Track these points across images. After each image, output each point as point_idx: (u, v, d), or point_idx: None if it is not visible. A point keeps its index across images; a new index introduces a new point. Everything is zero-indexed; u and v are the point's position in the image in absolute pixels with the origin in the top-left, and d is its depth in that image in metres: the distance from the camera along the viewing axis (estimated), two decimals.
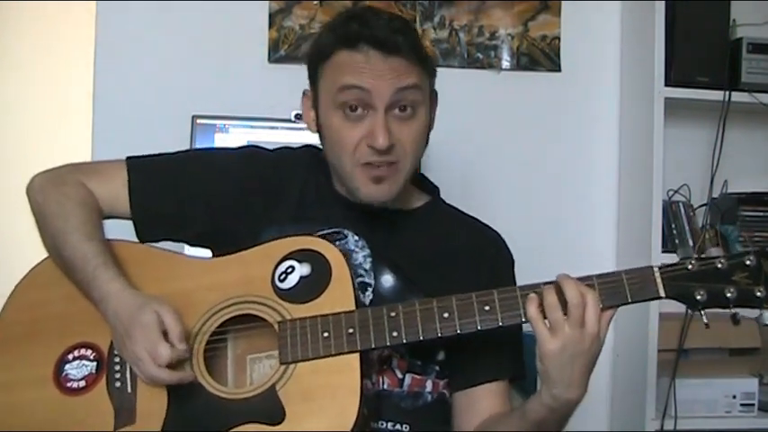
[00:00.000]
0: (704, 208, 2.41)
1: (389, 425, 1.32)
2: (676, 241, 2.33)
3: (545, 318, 1.17)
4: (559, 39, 2.51)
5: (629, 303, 1.19)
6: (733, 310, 1.17)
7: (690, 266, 1.17)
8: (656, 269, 1.18)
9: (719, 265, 1.16)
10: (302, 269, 1.26)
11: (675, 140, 2.40)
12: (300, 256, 1.27)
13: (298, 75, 2.36)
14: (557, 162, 2.53)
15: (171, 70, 2.38)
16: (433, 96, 1.40)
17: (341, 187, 1.40)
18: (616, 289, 1.18)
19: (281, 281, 1.26)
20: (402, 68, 1.29)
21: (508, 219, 2.41)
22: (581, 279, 1.18)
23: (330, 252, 1.26)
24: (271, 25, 2.40)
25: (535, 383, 1.53)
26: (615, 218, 2.53)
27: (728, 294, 1.15)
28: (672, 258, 2.26)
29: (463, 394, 1.38)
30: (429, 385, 1.36)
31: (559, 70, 2.52)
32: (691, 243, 2.33)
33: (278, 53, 2.41)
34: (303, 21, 2.41)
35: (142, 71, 2.36)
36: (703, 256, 1.19)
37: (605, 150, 2.54)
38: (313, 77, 1.37)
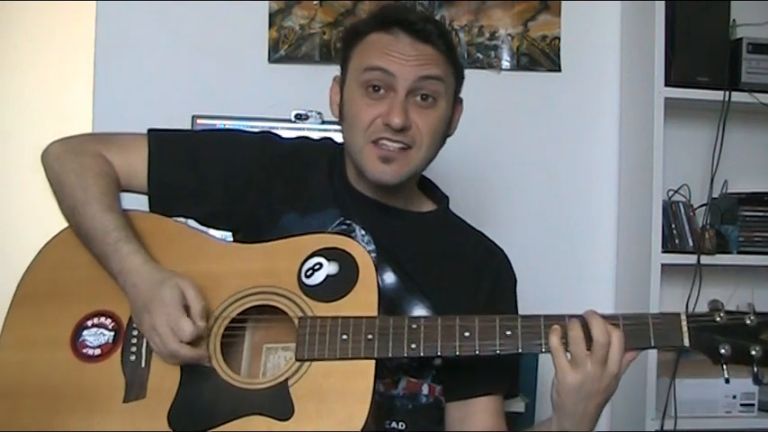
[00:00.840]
0: (704, 208, 2.41)
1: (386, 423, 1.32)
2: (676, 241, 2.33)
3: (566, 350, 1.16)
4: (559, 39, 2.51)
5: (650, 348, 1.18)
6: (755, 370, 1.16)
7: (718, 319, 1.15)
8: (683, 316, 1.17)
9: (748, 322, 1.15)
10: (330, 268, 1.26)
11: (675, 140, 2.40)
12: (330, 254, 1.26)
13: (298, 75, 2.40)
14: (557, 162, 2.53)
15: (171, 70, 2.38)
16: (458, 101, 1.42)
17: (354, 178, 1.41)
18: (640, 332, 1.17)
19: (308, 277, 1.26)
20: (429, 57, 1.32)
21: (508, 219, 2.43)
22: (606, 317, 1.17)
23: (360, 255, 1.25)
24: (271, 25, 2.40)
25: (534, 389, 1.53)
26: (615, 218, 2.52)
27: (753, 352, 1.14)
28: (671, 258, 2.27)
29: (458, 406, 1.37)
30: (425, 389, 1.36)
31: (559, 70, 2.52)
32: (691, 243, 2.33)
33: (278, 53, 2.41)
34: (303, 21, 2.41)
35: (142, 71, 2.36)
36: (734, 309, 1.17)
37: (605, 150, 2.54)
38: (344, 60, 1.39)
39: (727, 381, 1.16)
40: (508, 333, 1.18)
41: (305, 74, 2.39)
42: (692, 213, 2.38)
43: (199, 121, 2.14)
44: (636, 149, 2.43)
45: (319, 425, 1.16)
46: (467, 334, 1.19)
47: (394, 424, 1.32)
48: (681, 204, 2.38)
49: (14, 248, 1.45)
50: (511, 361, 1.39)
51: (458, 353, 1.19)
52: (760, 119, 2.48)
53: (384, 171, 1.33)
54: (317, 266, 1.26)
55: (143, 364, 1.25)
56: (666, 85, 2.29)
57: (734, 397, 2.26)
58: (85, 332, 1.27)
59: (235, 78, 2.39)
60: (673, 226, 2.34)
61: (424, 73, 1.31)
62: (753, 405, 2.26)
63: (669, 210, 2.35)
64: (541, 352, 1.19)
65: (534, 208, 2.51)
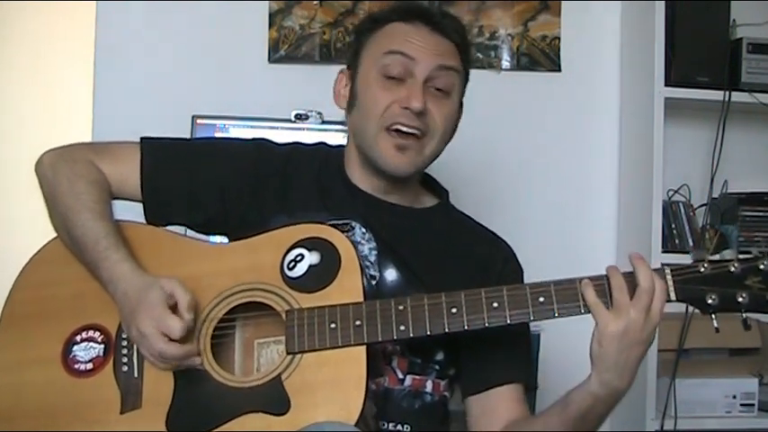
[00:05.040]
0: (704, 208, 2.41)
1: (390, 425, 1.32)
2: (676, 241, 2.33)
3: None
4: (559, 39, 2.51)
5: None
6: (744, 315, 1.16)
7: (702, 269, 1.16)
8: (667, 271, 1.17)
9: (732, 269, 1.15)
10: (311, 258, 1.26)
11: (675, 140, 2.40)
12: (310, 244, 1.27)
13: (298, 75, 2.40)
14: (557, 162, 2.53)
15: (171, 70, 2.38)
16: (461, 105, 1.43)
17: (358, 175, 1.41)
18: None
19: (290, 269, 1.26)
20: (447, 50, 1.35)
21: (507, 219, 2.42)
22: (592, 278, 1.18)
23: (340, 242, 1.26)
24: (271, 25, 2.40)
25: (535, 379, 1.51)
26: (615, 218, 2.52)
27: (740, 299, 1.14)
28: (671, 258, 2.26)
29: (478, 399, 1.36)
30: (429, 386, 1.35)
31: (559, 70, 2.52)
32: (691, 243, 2.33)
33: (278, 53, 2.41)
34: (303, 21, 2.41)
35: (142, 71, 2.36)
36: (717, 258, 1.17)
37: (605, 150, 2.54)
38: (357, 49, 1.40)
39: (717, 330, 1.16)
40: (495, 305, 1.19)
41: (305, 74, 2.39)
42: (692, 213, 2.38)
43: (199, 121, 2.14)
44: (636, 149, 2.43)
45: (317, 415, 1.16)
46: (454, 310, 1.20)
47: (399, 426, 1.32)
48: (681, 204, 2.38)
49: (14, 249, 1.45)
50: (526, 349, 1.39)
51: (447, 330, 1.20)
52: (760, 119, 2.48)
53: (400, 160, 1.33)
54: (298, 258, 1.26)
55: (136, 374, 1.25)
56: (666, 85, 2.29)
57: (734, 397, 2.26)
58: (75, 348, 1.28)
59: (235, 78, 2.39)
60: (673, 226, 2.34)
61: (442, 62, 1.34)
62: (753, 405, 2.26)
63: (669, 210, 2.35)
64: (529, 320, 1.20)
65: (534, 208, 2.51)
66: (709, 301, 1.15)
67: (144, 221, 1.39)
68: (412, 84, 1.32)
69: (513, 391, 1.35)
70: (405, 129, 1.32)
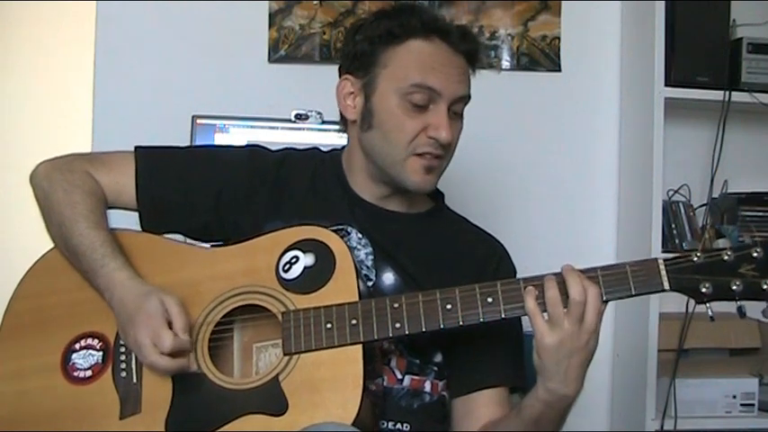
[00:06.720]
0: (704, 208, 2.41)
1: (390, 424, 1.33)
2: (676, 241, 2.33)
3: (544, 311, 1.17)
4: (559, 39, 2.51)
5: (632, 296, 1.18)
6: (739, 303, 1.16)
7: (695, 258, 1.16)
8: (661, 261, 1.17)
9: (726, 258, 1.15)
10: (306, 259, 1.27)
11: (675, 140, 2.40)
12: (305, 245, 1.28)
13: (298, 75, 2.40)
14: (557, 162, 2.53)
15: (171, 70, 2.38)
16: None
17: (360, 183, 1.42)
18: (620, 281, 1.17)
19: (286, 271, 1.27)
20: (464, 73, 1.37)
21: (508, 219, 2.43)
22: (585, 271, 1.18)
23: (334, 243, 1.27)
24: (271, 25, 2.40)
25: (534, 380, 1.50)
26: (615, 218, 2.53)
27: (734, 287, 1.14)
28: None
29: (462, 401, 1.37)
30: (428, 386, 1.36)
31: (559, 70, 2.52)
32: None
33: (278, 53, 2.41)
34: (303, 21, 2.41)
35: (142, 71, 2.36)
36: (710, 247, 1.17)
37: (605, 150, 2.54)
38: (371, 61, 1.37)
39: (712, 319, 1.17)
40: (489, 300, 1.20)
41: (305, 74, 2.39)
42: (691, 213, 2.38)
43: (199, 121, 2.14)
44: (636, 149, 2.43)
45: (315, 415, 1.17)
46: (449, 306, 1.20)
47: (399, 425, 1.33)
48: (681, 204, 2.38)
49: (14, 258, 1.46)
50: (513, 352, 1.39)
51: (442, 326, 1.20)
52: (760, 119, 2.48)
53: (426, 181, 1.36)
54: (293, 260, 1.27)
55: (134, 380, 1.26)
56: (666, 85, 2.28)
57: (734, 397, 2.26)
58: (74, 355, 1.29)
59: (235, 78, 2.39)
60: (673, 226, 2.34)
61: (462, 92, 1.36)
62: (753, 405, 2.26)
63: (669, 210, 2.35)
64: (524, 314, 1.20)
65: (534, 208, 2.51)
66: (703, 290, 1.15)
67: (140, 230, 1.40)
68: (437, 112, 1.33)
69: (495, 395, 1.36)
70: (431, 156, 1.34)
